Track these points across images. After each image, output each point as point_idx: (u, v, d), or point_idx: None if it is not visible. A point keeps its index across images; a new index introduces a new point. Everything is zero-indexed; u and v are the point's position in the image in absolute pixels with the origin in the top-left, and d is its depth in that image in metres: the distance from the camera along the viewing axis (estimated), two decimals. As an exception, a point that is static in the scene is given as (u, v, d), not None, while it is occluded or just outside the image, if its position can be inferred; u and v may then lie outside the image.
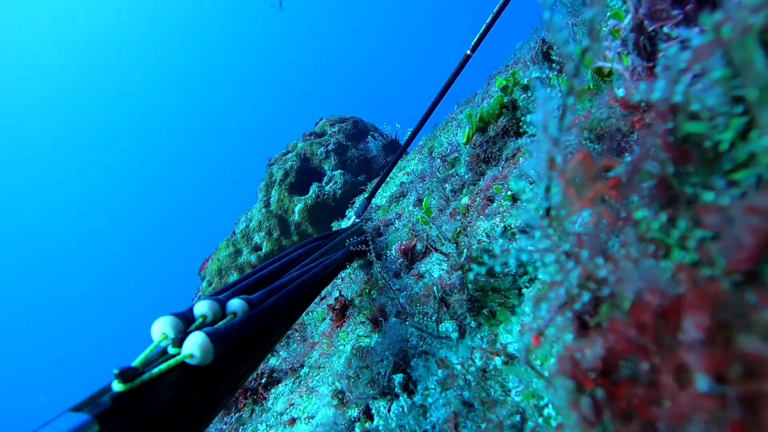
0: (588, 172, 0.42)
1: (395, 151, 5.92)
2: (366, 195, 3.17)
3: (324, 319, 2.20)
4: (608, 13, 0.95)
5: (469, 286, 1.17)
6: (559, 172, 0.43)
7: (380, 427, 1.14)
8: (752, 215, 0.35)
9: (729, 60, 0.39)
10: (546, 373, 0.71)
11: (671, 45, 0.56)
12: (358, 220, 2.92)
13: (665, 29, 0.71)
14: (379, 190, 3.34)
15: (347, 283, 2.21)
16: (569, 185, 0.43)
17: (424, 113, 2.93)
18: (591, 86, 1.17)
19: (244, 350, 0.97)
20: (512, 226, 1.33)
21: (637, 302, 0.40)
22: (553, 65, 1.86)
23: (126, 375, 0.68)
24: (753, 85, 0.38)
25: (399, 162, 4.20)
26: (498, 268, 0.46)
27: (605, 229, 0.45)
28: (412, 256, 1.79)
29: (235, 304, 0.99)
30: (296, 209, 5.21)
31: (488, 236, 1.38)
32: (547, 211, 0.45)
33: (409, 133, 3.16)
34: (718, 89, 0.39)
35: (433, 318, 1.23)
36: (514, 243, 1.23)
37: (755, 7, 0.37)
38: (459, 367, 1.02)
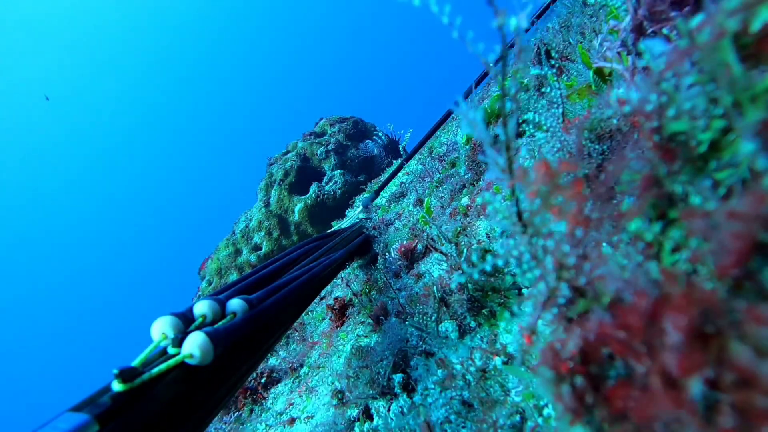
0: (552, 180, 0.43)
1: (395, 150, 5.92)
2: (375, 188, 3.22)
3: (323, 318, 2.20)
4: (608, 13, 0.95)
5: (469, 285, 1.17)
6: (526, 185, 0.44)
7: (380, 427, 1.15)
8: (734, 221, 0.36)
9: (705, 65, 0.39)
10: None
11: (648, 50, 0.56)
12: (364, 215, 2.96)
13: (664, 30, 0.71)
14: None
15: (347, 283, 2.21)
16: (537, 196, 0.44)
17: (434, 124, 2.94)
18: (592, 87, 1.17)
19: (243, 350, 0.97)
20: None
21: (623, 304, 0.41)
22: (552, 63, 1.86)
23: (126, 375, 0.68)
24: (728, 89, 0.38)
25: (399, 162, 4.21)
26: (476, 276, 0.47)
27: (581, 228, 0.46)
28: (412, 256, 1.79)
29: (235, 304, 0.99)
30: (296, 209, 5.21)
31: (488, 236, 1.38)
32: (519, 216, 0.45)
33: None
34: (695, 92, 0.40)
35: (433, 318, 1.23)
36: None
37: (731, 11, 0.37)
38: (459, 366, 1.02)
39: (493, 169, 0.43)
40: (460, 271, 1.15)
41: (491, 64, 0.38)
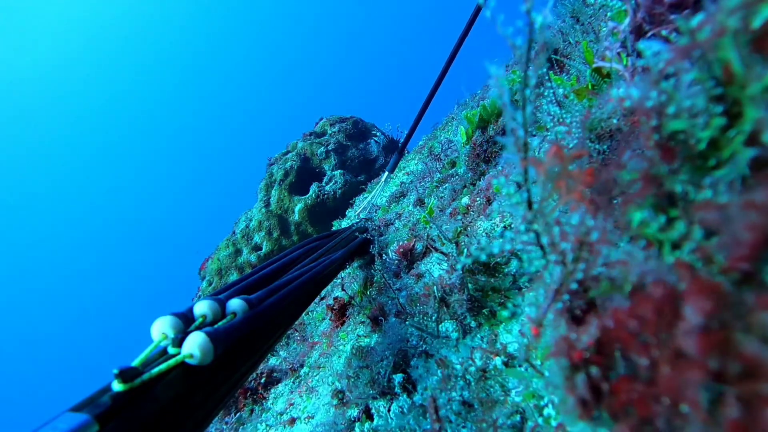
0: (563, 163, 0.43)
1: (395, 150, 5.92)
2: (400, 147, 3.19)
3: (324, 318, 2.20)
4: (608, 14, 0.95)
5: (469, 286, 1.17)
6: (537, 165, 0.44)
7: (380, 427, 1.15)
8: (751, 211, 0.36)
9: (707, 61, 0.39)
10: (546, 373, 0.71)
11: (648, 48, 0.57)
12: (390, 174, 2.96)
13: (663, 32, 0.71)
14: (380, 191, 3.35)
15: (347, 282, 2.21)
16: (549, 179, 0.44)
17: (442, 68, 2.80)
18: (590, 86, 1.17)
19: (244, 350, 0.97)
20: (513, 225, 1.33)
21: (639, 293, 0.41)
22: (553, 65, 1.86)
23: (126, 375, 0.68)
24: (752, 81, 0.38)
25: (399, 162, 4.21)
26: (483, 258, 0.47)
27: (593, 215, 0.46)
28: (411, 257, 1.79)
29: (235, 303, 0.99)
30: (296, 209, 5.21)
31: (488, 236, 1.38)
32: (529, 203, 0.45)
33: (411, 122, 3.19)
34: (695, 90, 0.40)
35: (433, 318, 1.23)
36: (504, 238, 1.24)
37: (732, 9, 0.37)
38: (459, 367, 1.02)
39: (511, 149, 0.43)
40: (466, 255, 1.15)
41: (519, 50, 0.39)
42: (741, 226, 0.36)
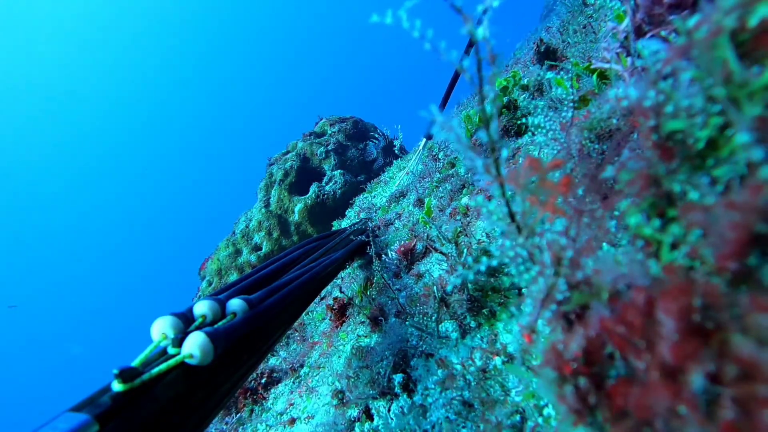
0: (540, 175, 0.43)
1: (393, 151, 5.92)
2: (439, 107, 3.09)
3: (324, 318, 2.20)
4: (607, 15, 0.95)
5: (469, 286, 1.17)
6: (513, 182, 0.44)
7: (380, 427, 1.15)
8: (733, 211, 0.36)
9: (702, 61, 0.39)
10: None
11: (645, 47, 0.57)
12: (428, 142, 2.93)
13: (662, 33, 0.72)
14: (379, 191, 3.35)
15: (347, 282, 2.21)
16: (525, 192, 0.44)
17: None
18: (596, 89, 1.17)
19: (243, 350, 0.97)
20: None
21: (622, 298, 0.41)
22: (551, 65, 1.86)
23: (126, 375, 0.68)
24: (723, 84, 0.38)
25: (398, 162, 4.20)
26: (471, 277, 0.47)
27: (573, 224, 0.46)
28: (411, 257, 1.79)
29: (235, 304, 0.99)
30: (296, 209, 5.21)
31: (488, 236, 1.38)
32: (511, 217, 0.45)
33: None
34: (693, 89, 0.40)
35: (433, 318, 1.23)
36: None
37: (728, 9, 0.38)
38: (459, 367, 1.02)
39: (481, 174, 0.43)
40: (456, 273, 1.16)
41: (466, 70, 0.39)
42: (725, 225, 0.36)
